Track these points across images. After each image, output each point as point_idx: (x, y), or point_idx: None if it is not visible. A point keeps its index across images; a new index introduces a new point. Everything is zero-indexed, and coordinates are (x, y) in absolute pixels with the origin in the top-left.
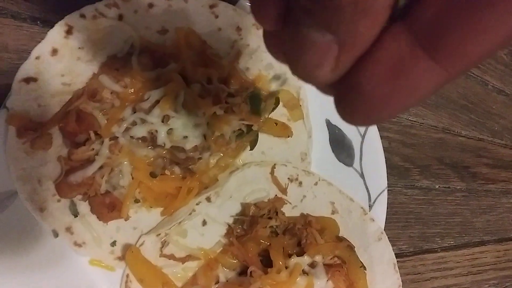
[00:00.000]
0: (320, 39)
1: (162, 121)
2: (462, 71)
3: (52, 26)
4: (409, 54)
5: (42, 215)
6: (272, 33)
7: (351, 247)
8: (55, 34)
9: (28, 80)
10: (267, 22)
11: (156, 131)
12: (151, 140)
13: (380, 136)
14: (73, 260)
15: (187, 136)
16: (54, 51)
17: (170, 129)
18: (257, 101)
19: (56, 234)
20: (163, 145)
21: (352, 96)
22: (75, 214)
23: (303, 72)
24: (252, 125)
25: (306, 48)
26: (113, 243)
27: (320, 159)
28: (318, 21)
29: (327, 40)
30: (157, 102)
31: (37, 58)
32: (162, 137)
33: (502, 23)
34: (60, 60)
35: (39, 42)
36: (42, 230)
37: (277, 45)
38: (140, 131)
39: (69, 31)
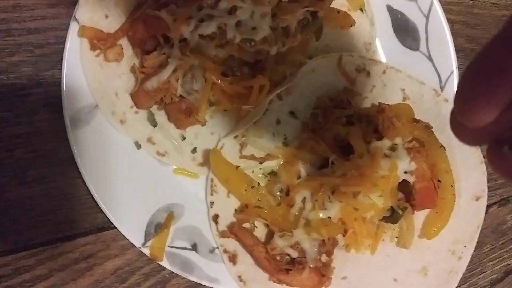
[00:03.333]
0: None
1: (229, 14)
2: None
3: None
4: None
5: (123, 128)
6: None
7: (429, 127)
8: None
9: None
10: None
11: (225, 24)
12: (220, 36)
13: None
14: (158, 169)
15: (255, 28)
16: None
17: (238, 21)
18: None
19: (138, 146)
20: (233, 38)
21: None
22: (154, 124)
23: None
24: (317, 12)
25: None
26: (194, 150)
27: (385, 46)
28: None
29: None
30: None
31: None
32: (231, 29)
33: None
34: None
35: None
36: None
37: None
38: (209, 27)
39: None
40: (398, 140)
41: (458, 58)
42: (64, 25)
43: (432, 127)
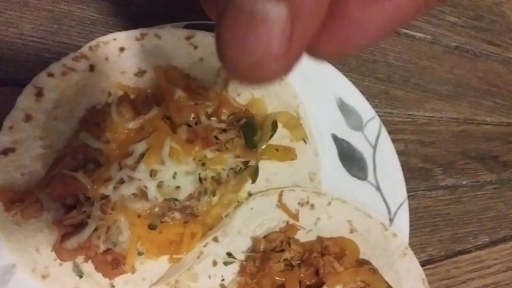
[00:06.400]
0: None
1: (151, 175)
2: None
3: (24, 85)
4: None
5: (46, 282)
6: None
7: (374, 270)
8: (25, 100)
9: (6, 152)
10: None
11: (146, 186)
12: (142, 195)
13: (395, 140)
14: None
15: (179, 186)
16: (28, 117)
17: (160, 182)
18: (251, 132)
19: None
20: (155, 199)
21: (337, 25)
22: (80, 275)
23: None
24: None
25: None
26: None
27: (330, 176)
28: None
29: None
30: (143, 155)
31: (11, 128)
32: (152, 192)
33: None
34: (36, 125)
35: (13, 103)
36: None
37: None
38: (129, 189)
39: (39, 93)
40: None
41: (412, 179)
42: None
43: (377, 270)
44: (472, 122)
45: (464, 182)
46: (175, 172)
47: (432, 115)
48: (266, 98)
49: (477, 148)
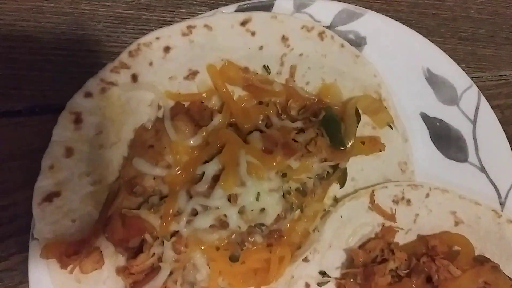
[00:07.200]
0: None
1: (229, 200)
2: None
3: (55, 110)
4: None
5: None
6: None
7: (496, 268)
8: (63, 130)
9: (50, 197)
10: None
11: (225, 215)
12: (221, 225)
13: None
14: None
15: (264, 208)
16: (69, 151)
17: (241, 207)
18: (334, 127)
19: None
20: (238, 229)
21: None
22: None
23: None
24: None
25: None
26: None
27: (425, 163)
28: None
29: None
30: (216, 177)
31: (51, 168)
32: (234, 220)
33: None
34: (79, 158)
35: (45, 133)
36: None
37: None
38: (206, 221)
39: (78, 120)
40: None
41: None
42: None
43: (499, 265)
44: None
45: None
46: (258, 193)
47: None
48: (340, 82)
49: None
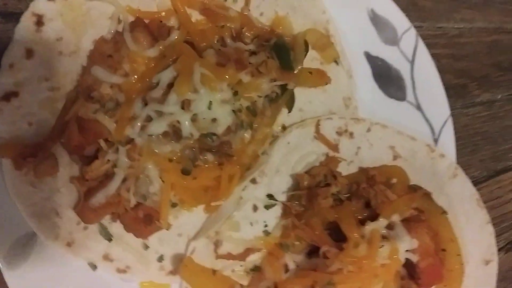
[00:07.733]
0: None
1: (182, 108)
2: None
3: (17, 19)
4: None
5: (71, 250)
6: None
7: (428, 195)
8: (24, 30)
9: (8, 96)
10: None
11: (178, 121)
12: (174, 133)
13: None
14: None
15: (215, 118)
16: (29, 52)
17: (194, 114)
18: (284, 52)
19: (94, 266)
20: (190, 136)
21: None
22: (109, 238)
23: None
24: (286, 84)
25: None
26: (161, 258)
27: (367, 100)
28: None
29: None
30: (170, 85)
31: (11, 66)
32: (186, 127)
33: None
34: (39, 62)
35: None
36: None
37: None
38: (160, 126)
39: (39, 22)
40: (395, 217)
41: (448, 97)
42: None
43: (431, 193)
44: (503, 31)
45: (499, 96)
46: (210, 102)
47: (462, 26)
48: (291, 16)
49: (510, 59)
